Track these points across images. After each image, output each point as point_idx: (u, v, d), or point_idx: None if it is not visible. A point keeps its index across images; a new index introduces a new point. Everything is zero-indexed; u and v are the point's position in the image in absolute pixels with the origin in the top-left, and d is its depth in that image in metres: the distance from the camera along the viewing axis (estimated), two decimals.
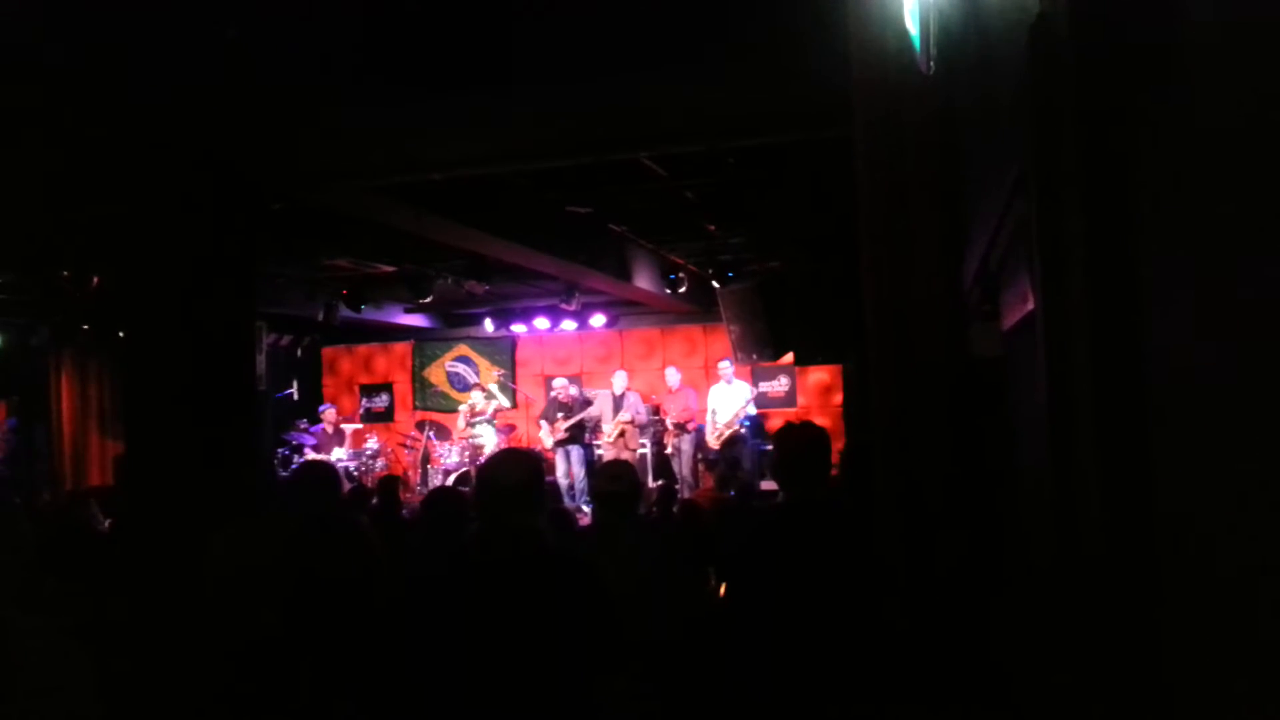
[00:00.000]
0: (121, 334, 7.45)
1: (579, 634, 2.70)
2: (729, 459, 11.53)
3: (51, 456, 12.18)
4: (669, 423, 12.00)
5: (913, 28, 2.73)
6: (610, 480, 3.78)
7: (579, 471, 11.73)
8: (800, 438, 3.39)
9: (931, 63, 2.74)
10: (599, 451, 11.99)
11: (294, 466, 11.31)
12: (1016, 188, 1.95)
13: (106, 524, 6.57)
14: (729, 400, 11.68)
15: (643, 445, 12.17)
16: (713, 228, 8.64)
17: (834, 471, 4.07)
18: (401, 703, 2.88)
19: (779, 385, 12.85)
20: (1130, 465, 1.17)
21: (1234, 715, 1.03)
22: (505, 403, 12.98)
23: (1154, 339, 1.16)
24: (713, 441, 11.71)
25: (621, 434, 11.89)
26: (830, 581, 3.20)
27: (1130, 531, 1.17)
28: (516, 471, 2.83)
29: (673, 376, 12.23)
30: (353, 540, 3.77)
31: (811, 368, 12.50)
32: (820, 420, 11.30)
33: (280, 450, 12.14)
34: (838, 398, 12.22)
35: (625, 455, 11.71)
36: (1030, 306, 1.87)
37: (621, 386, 12.15)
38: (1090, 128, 1.28)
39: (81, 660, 2.85)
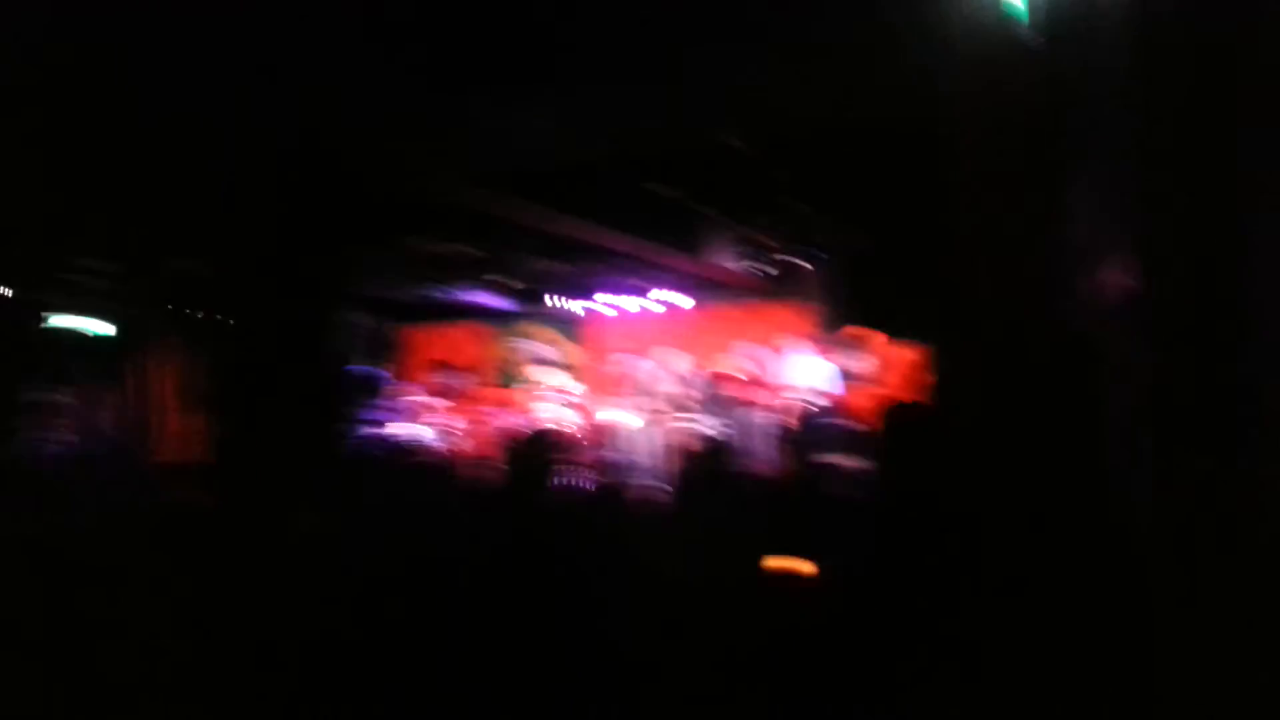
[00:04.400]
0: (219, 317, 7.68)
1: (607, 606, 2.75)
2: (805, 437, 11.39)
3: (149, 434, 12.63)
4: (745, 400, 11.90)
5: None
6: (687, 460, 3.80)
7: (651, 449, 11.74)
8: (901, 419, 3.34)
9: (1036, 35, 2.67)
10: (670, 431, 11.96)
11: (372, 446, 11.56)
12: (1120, 168, 1.89)
13: (206, 502, 6.79)
14: (810, 373, 11.47)
15: (714, 424, 12.11)
16: (800, 206, 8.55)
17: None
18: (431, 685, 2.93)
19: (865, 363, 12.66)
20: (1230, 458, 1.12)
21: None
22: (573, 385, 13.04)
23: (1259, 331, 1.11)
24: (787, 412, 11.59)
25: (687, 410, 11.85)
26: (915, 570, 3.16)
27: (1230, 531, 1.12)
28: (539, 452, 2.92)
29: (750, 352, 12.08)
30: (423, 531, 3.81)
31: (899, 345, 12.28)
32: (907, 400, 11.09)
33: (366, 429, 12.40)
34: (927, 376, 11.99)
35: (688, 435, 11.67)
36: (1131, 289, 1.81)
37: (685, 366, 12.10)
38: (1198, 113, 1.23)
39: (184, 627, 2.97)
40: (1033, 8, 2.50)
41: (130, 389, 12.97)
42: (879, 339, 12.19)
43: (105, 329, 12.19)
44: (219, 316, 8.48)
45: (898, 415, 3.42)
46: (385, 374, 14.21)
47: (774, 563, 5.04)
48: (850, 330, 10.50)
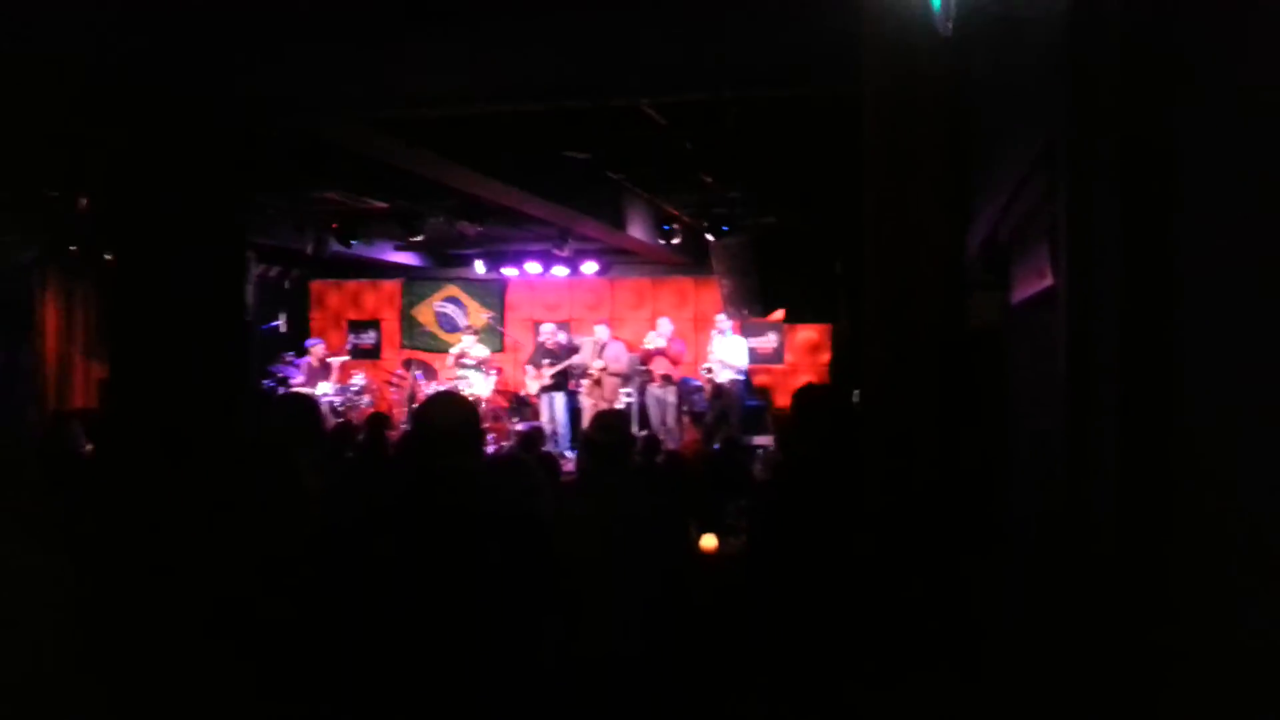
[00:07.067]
0: (109, 256, 7.33)
1: (516, 576, 2.72)
2: (717, 412, 11.49)
3: (35, 376, 12.08)
4: (656, 373, 11.94)
5: None
6: (602, 431, 3.73)
7: (562, 418, 11.71)
8: (803, 399, 3.40)
9: (950, 23, 2.67)
10: (582, 399, 11.96)
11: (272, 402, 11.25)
12: (1040, 160, 1.90)
13: (88, 448, 6.52)
14: (731, 352, 11.52)
15: (628, 396, 12.11)
16: (710, 180, 8.54)
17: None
18: (330, 642, 2.86)
19: (767, 341, 12.79)
20: (1151, 451, 1.14)
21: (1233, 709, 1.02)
22: (484, 352, 12.86)
23: (1188, 326, 1.13)
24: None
25: (598, 382, 11.81)
26: (816, 541, 3.21)
27: (1145, 517, 1.15)
28: (452, 416, 2.85)
29: (665, 327, 12.10)
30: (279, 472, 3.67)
31: (800, 325, 12.46)
32: (805, 379, 11.29)
33: (266, 382, 12.06)
34: (825, 356, 12.20)
35: (603, 405, 11.65)
36: (1047, 282, 1.84)
37: (604, 337, 12.06)
38: (1133, 107, 1.24)
39: (62, 577, 2.83)
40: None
41: (10, 330, 12.39)
42: (783, 318, 12.38)
43: None
44: (106, 256, 8.08)
45: (807, 396, 3.47)
46: (288, 326, 13.84)
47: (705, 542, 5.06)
48: (757, 309, 10.59)
